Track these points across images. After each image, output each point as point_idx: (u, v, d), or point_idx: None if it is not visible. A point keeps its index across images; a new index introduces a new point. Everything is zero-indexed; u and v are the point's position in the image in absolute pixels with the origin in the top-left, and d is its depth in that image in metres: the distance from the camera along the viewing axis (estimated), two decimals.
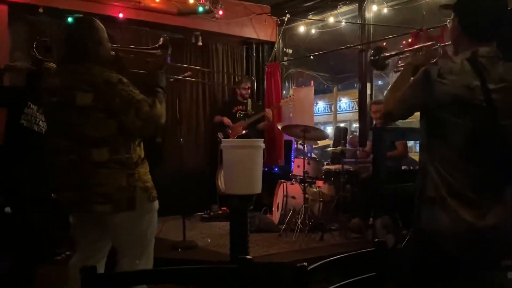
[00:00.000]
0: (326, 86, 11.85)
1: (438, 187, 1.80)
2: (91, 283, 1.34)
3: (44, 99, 2.50)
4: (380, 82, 9.11)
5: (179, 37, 6.32)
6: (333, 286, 1.53)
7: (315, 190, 5.18)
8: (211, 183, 5.97)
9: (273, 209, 5.55)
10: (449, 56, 2.00)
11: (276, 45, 7.06)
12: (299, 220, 4.81)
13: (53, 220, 4.04)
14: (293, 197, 5.11)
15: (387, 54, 2.31)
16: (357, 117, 6.85)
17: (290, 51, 7.29)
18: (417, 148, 5.56)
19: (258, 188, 3.42)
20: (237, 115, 6.18)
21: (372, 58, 2.34)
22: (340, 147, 5.20)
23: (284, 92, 7.21)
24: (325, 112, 14.68)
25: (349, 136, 7.34)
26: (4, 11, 4.86)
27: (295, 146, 6.88)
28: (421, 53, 2.09)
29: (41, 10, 5.05)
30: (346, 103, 13.89)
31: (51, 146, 2.43)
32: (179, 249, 4.28)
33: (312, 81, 9.09)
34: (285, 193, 5.13)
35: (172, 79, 4.46)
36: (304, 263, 1.41)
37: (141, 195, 2.35)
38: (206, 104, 6.73)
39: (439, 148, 1.83)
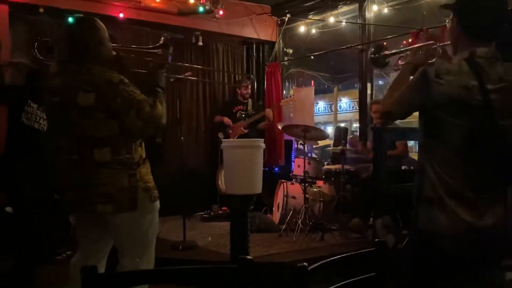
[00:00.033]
0: (326, 86, 11.86)
1: (436, 187, 1.80)
2: (91, 282, 1.34)
3: (45, 99, 2.50)
4: (380, 82, 9.11)
5: (180, 37, 6.32)
6: (333, 286, 1.53)
7: (315, 190, 5.18)
8: (212, 183, 5.98)
9: (273, 209, 5.55)
10: (449, 56, 2.00)
11: (276, 45, 7.06)
12: (300, 220, 4.82)
13: (54, 220, 4.05)
14: (294, 197, 5.11)
15: (387, 53, 2.31)
16: (357, 117, 6.85)
17: (291, 51, 7.29)
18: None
19: (258, 188, 3.42)
20: (238, 115, 6.18)
21: (372, 56, 2.34)
22: (340, 147, 5.20)
23: (284, 92, 7.20)
24: (325, 112, 14.69)
25: (349, 136, 7.34)
26: (5, 11, 4.86)
27: (296, 146, 6.87)
28: (420, 52, 2.08)
29: (41, 10, 5.05)
30: (346, 103, 13.90)
31: (52, 146, 2.44)
32: (180, 247, 4.29)
33: (312, 81, 9.09)
34: (285, 193, 5.13)
35: (172, 79, 4.47)
36: (305, 263, 1.41)
37: (142, 195, 2.36)
38: (206, 104, 6.73)
39: (437, 148, 1.83)
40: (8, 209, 3.92)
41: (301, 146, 5.41)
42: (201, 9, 5.84)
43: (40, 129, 3.70)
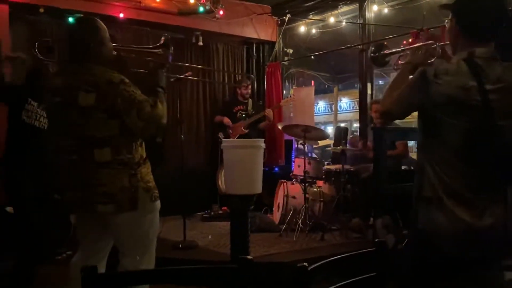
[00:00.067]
0: (326, 86, 11.86)
1: (435, 187, 1.80)
2: (91, 282, 1.34)
3: (46, 99, 2.51)
4: (380, 82, 9.12)
5: (180, 37, 6.32)
6: (333, 286, 1.54)
7: (315, 190, 5.18)
8: (212, 183, 5.98)
9: (273, 209, 5.55)
10: (448, 56, 2.01)
11: (276, 45, 7.06)
12: (300, 220, 4.82)
13: (54, 220, 4.05)
14: (294, 197, 5.11)
15: (387, 51, 2.31)
16: (357, 117, 6.85)
17: (291, 51, 7.29)
18: None
19: (258, 188, 3.42)
20: (238, 115, 6.19)
21: (373, 55, 2.34)
22: (340, 147, 5.20)
23: (284, 92, 7.20)
24: (325, 112, 14.69)
25: (349, 136, 7.34)
26: (5, 11, 4.86)
27: (296, 146, 6.87)
28: (420, 52, 2.08)
29: (41, 10, 5.05)
30: (346, 103, 13.90)
31: (53, 146, 2.44)
32: (180, 246, 4.29)
33: (312, 81, 9.10)
34: (285, 193, 5.13)
35: (172, 79, 4.47)
36: (305, 263, 1.41)
37: (143, 195, 2.36)
38: (206, 104, 6.73)
39: (436, 148, 1.83)
40: (9, 208, 3.93)
41: (301, 146, 5.41)
42: (201, 9, 5.84)
43: (40, 127, 3.71)
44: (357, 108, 8.01)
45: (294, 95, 6.59)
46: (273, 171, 6.59)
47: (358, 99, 6.68)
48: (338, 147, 5.25)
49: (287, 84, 7.54)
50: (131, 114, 2.27)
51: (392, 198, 4.06)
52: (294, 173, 5.51)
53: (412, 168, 5.32)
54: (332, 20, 6.38)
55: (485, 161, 1.75)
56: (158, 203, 2.46)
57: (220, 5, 5.95)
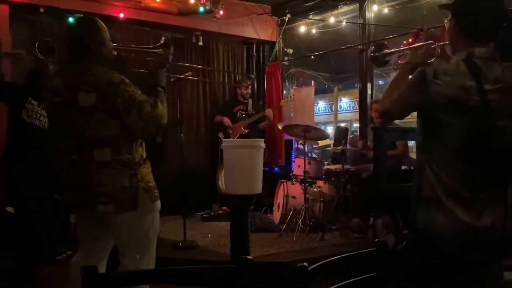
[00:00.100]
0: (326, 86, 11.86)
1: (434, 187, 1.80)
2: (91, 282, 1.34)
3: (46, 99, 2.51)
4: (380, 82, 9.11)
5: (180, 37, 6.32)
6: (333, 286, 1.54)
7: (315, 190, 5.18)
8: (212, 183, 5.98)
9: (273, 209, 5.55)
10: (448, 56, 2.01)
11: (276, 45, 7.06)
12: (300, 220, 4.82)
13: (54, 220, 4.05)
14: (294, 197, 5.11)
15: (387, 52, 2.31)
16: (357, 117, 6.85)
17: (291, 51, 7.29)
18: None
19: (258, 188, 3.42)
20: (238, 115, 6.19)
21: (373, 54, 2.35)
22: (340, 147, 5.20)
23: (284, 92, 7.21)
24: (325, 112, 14.69)
25: (349, 136, 7.34)
26: (5, 11, 4.86)
27: (296, 146, 6.87)
28: (419, 52, 2.09)
29: (42, 10, 5.05)
30: (346, 103, 13.90)
31: (53, 146, 2.44)
32: (180, 244, 4.29)
33: (312, 81, 9.10)
34: (285, 193, 5.13)
35: (173, 79, 4.47)
36: (305, 263, 1.41)
37: (143, 195, 2.36)
38: (206, 104, 6.73)
39: (435, 148, 1.83)
40: (9, 208, 3.93)
41: (301, 146, 5.41)
42: (201, 9, 5.85)
43: (40, 126, 3.71)
44: (357, 108, 8.01)
45: (294, 95, 6.59)
46: (273, 171, 6.59)
47: (358, 99, 6.68)
48: (338, 147, 5.26)
49: (287, 84, 7.55)
50: (131, 114, 2.27)
51: (392, 198, 4.07)
52: (294, 173, 5.51)
53: (412, 168, 5.32)
54: (332, 20, 6.38)
55: (485, 161, 1.75)
56: (158, 203, 2.46)
57: (220, 5, 5.95)
